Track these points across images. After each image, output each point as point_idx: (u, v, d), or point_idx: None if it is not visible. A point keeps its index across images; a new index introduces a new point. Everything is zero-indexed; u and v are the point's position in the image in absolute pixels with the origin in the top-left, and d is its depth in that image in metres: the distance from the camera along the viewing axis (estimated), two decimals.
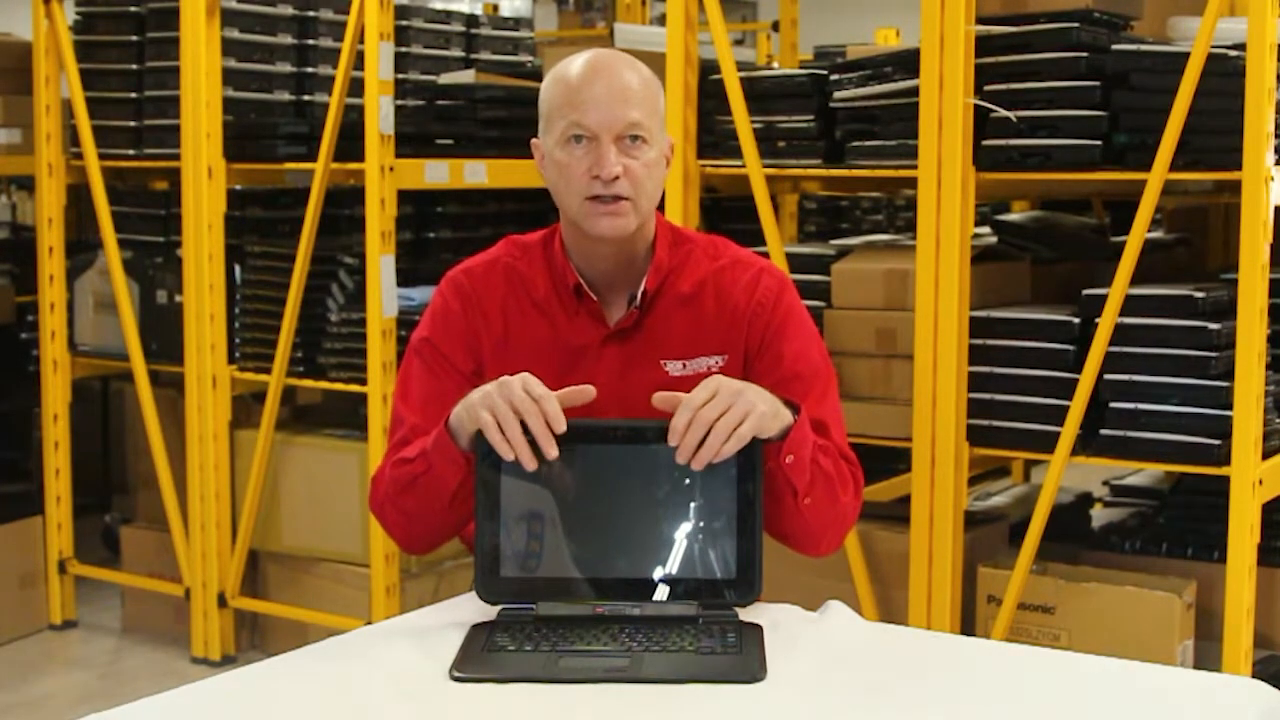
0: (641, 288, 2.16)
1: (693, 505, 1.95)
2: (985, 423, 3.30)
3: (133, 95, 4.58)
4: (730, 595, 1.94)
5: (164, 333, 4.54)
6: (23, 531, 4.75)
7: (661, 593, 1.94)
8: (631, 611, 1.93)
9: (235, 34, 4.42)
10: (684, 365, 2.15)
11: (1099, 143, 3.14)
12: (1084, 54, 3.16)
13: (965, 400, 3.29)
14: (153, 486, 4.65)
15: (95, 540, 5.23)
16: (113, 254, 4.59)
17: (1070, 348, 3.22)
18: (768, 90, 3.58)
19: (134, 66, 4.58)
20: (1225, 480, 3.01)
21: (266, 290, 4.35)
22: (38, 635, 4.75)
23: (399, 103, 4.09)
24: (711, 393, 1.91)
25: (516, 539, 1.95)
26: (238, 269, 4.42)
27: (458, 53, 4.84)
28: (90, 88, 4.61)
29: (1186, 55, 3.00)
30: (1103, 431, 3.17)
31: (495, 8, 8.51)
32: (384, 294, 3.98)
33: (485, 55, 4.92)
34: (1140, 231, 3.08)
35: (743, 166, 3.58)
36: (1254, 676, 2.43)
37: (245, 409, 4.52)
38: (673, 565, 1.95)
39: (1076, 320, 3.22)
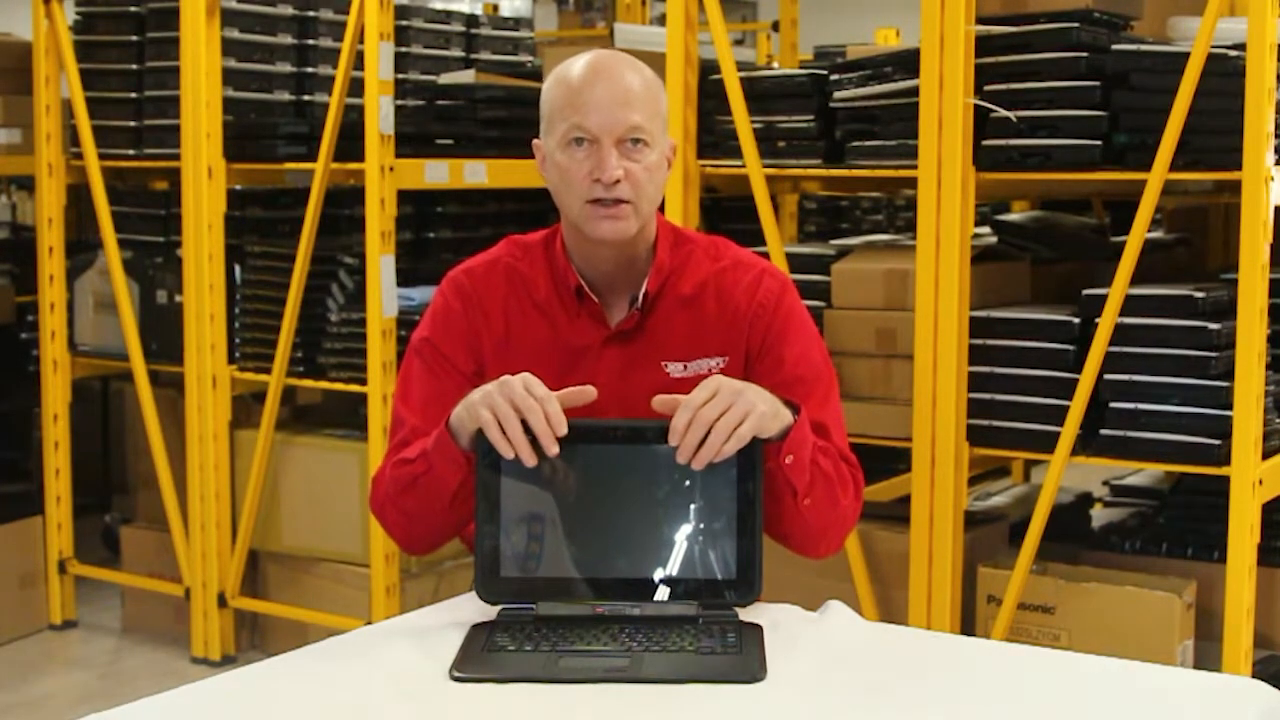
0: (643, 289, 2.16)
1: (693, 505, 1.95)
2: (985, 423, 3.30)
3: (133, 95, 4.58)
4: (730, 595, 1.94)
5: (164, 333, 4.54)
6: (23, 531, 4.75)
7: (661, 593, 1.94)
8: (631, 611, 1.93)
9: (235, 34, 4.42)
10: (685, 367, 2.15)
11: (1099, 143, 3.14)
12: (1084, 54, 3.16)
13: (965, 400, 3.29)
14: (153, 486, 4.65)
15: (95, 540, 5.23)
16: (113, 254, 4.59)
17: (1070, 348, 3.22)
18: (768, 90, 3.59)
19: (134, 66, 4.59)
20: (1225, 480, 3.01)
21: (266, 290, 4.35)
22: (38, 635, 4.75)
23: (399, 103, 4.09)
24: (712, 392, 1.91)
25: (516, 539, 1.95)
26: (238, 269, 4.42)
27: (458, 53, 4.84)
28: (90, 88, 4.61)
29: (1186, 55, 3.00)
30: (1103, 431, 3.17)
31: (495, 8, 8.51)
32: (384, 294, 3.98)
33: (485, 55, 4.92)
34: (1140, 231, 3.08)
35: (743, 166, 3.58)
36: (1254, 676, 2.43)
37: (245, 409, 4.52)
38: (673, 565, 1.95)
39: (1076, 320, 3.22)
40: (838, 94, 3.47)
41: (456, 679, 1.77)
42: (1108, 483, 4.20)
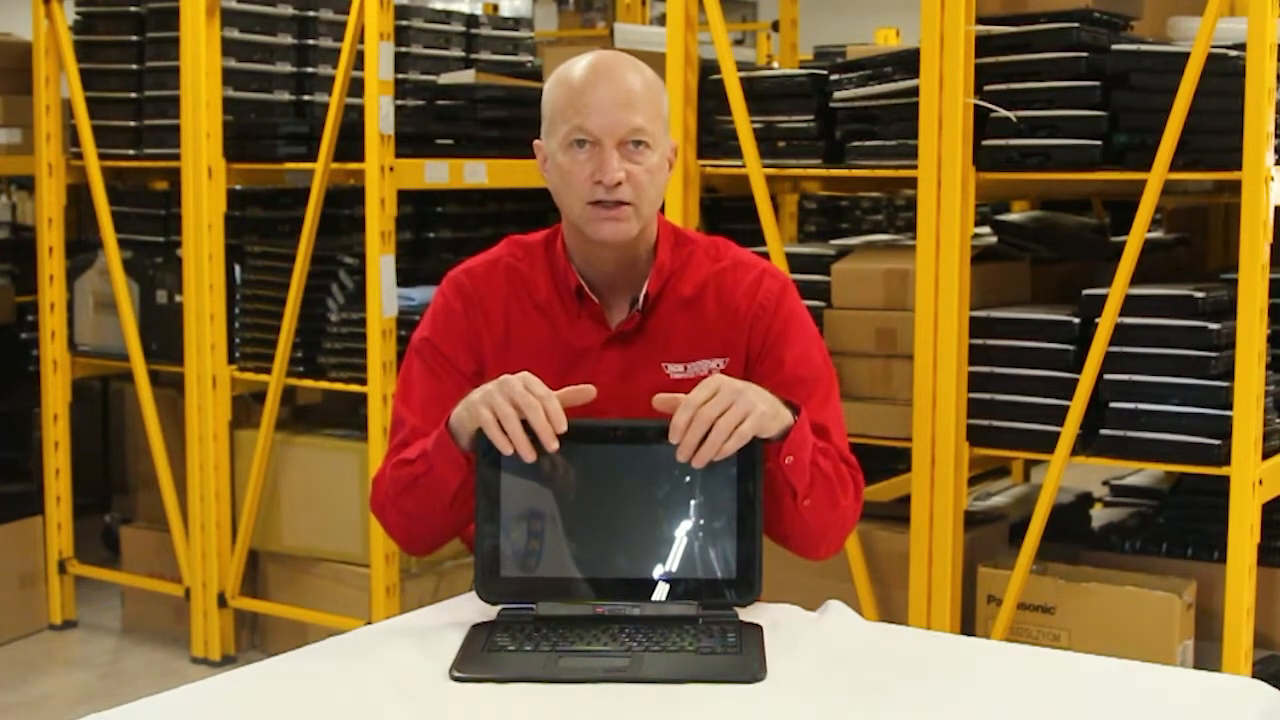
0: (644, 290, 2.15)
1: (693, 505, 1.95)
2: (985, 423, 3.30)
3: (133, 95, 4.58)
4: (730, 595, 1.94)
5: (164, 333, 4.54)
6: (23, 531, 4.75)
7: (661, 593, 1.95)
8: (631, 611, 1.93)
9: (235, 34, 4.42)
10: (685, 368, 2.15)
11: (1099, 143, 3.14)
12: (1084, 54, 3.17)
13: (965, 400, 3.29)
14: (153, 486, 4.65)
15: (95, 540, 5.23)
16: (113, 254, 4.59)
17: (1070, 348, 3.22)
18: (768, 90, 3.59)
19: (134, 66, 4.59)
20: (1225, 480, 3.01)
21: (266, 290, 4.35)
22: (38, 635, 4.75)
23: (399, 103, 4.10)
24: (712, 391, 1.91)
25: (516, 539, 1.95)
26: (238, 269, 4.42)
27: (458, 53, 4.84)
28: (90, 88, 4.61)
29: (1186, 55, 3.00)
30: (1103, 431, 3.17)
31: (495, 8, 8.51)
32: (384, 294, 3.98)
33: (485, 55, 4.92)
34: (1140, 231, 3.08)
35: (743, 166, 3.58)
36: (1254, 676, 2.43)
37: (245, 409, 4.52)
38: (673, 565, 1.95)
39: (1076, 320, 3.22)
40: (838, 94, 3.47)
41: (456, 679, 1.77)
42: (1108, 483, 4.20)
